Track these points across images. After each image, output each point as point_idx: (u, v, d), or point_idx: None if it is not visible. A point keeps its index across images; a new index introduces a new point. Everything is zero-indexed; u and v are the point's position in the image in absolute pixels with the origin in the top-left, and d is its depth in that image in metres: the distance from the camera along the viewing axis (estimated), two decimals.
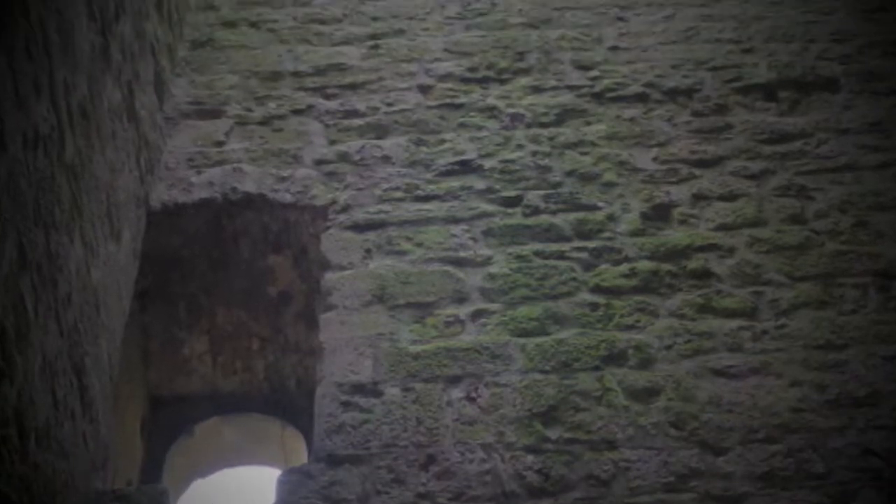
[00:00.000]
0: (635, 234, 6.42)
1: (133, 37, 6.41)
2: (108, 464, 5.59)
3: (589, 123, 7.19)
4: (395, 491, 5.32)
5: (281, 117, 7.34)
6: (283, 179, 6.88)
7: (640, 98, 7.38)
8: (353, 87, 7.59)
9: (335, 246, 6.46)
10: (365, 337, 5.92)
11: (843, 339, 5.77)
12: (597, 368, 5.76)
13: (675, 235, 6.39)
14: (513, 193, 6.70)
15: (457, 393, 5.70)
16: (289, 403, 7.24)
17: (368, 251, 6.40)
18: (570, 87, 7.49)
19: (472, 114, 7.32)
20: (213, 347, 7.15)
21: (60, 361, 4.69)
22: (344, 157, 6.99)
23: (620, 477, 5.34)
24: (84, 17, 5.35)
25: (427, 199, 6.71)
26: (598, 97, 7.41)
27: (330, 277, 6.27)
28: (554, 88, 7.50)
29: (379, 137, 7.15)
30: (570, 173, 6.81)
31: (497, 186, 6.76)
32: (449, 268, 6.30)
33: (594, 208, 6.57)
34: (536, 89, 7.50)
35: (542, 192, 6.69)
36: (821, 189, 6.61)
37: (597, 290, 6.11)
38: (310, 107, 7.41)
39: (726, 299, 6.00)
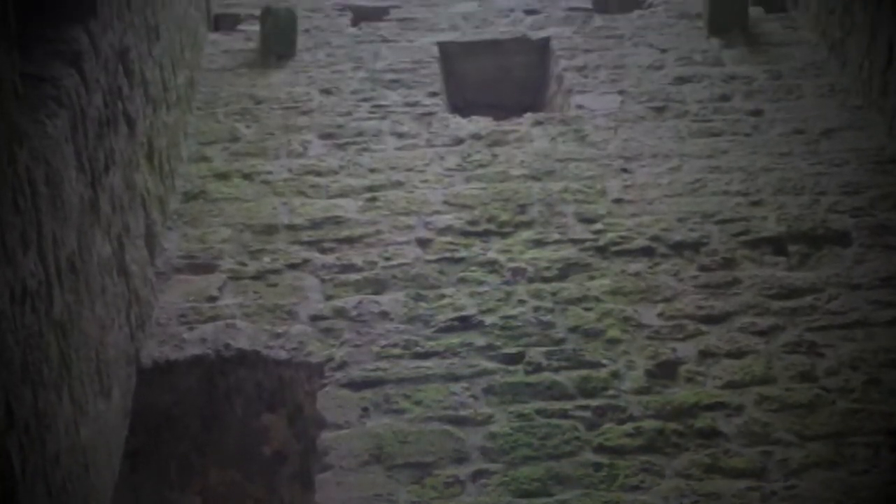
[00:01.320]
0: (640, 392, 6.50)
1: (123, 189, 6.60)
2: None
3: (593, 278, 7.34)
4: None
5: (276, 272, 7.50)
6: (277, 336, 7.00)
7: (646, 252, 7.54)
8: (350, 240, 7.76)
9: (331, 404, 6.54)
10: (362, 498, 5.96)
11: (855, 500, 5.79)
12: None
13: (682, 393, 6.47)
14: (514, 350, 6.81)
15: None
16: None
17: (366, 410, 6.48)
18: (574, 241, 7.66)
19: (472, 268, 7.47)
20: None
21: None
22: (340, 313, 7.12)
23: None
24: (73, 168, 5.53)
25: (426, 356, 6.81)
26: (602, 251, 7.57)
27: (326, 437, 6.33)
28: (557, 242, 7.66)
29: (377, 293, 7.29)
30: (573, 330, 6.93)
31: (498, 343, 6.87)
32: (448, 427, 6.36)
33: (598, 366, 6.67)
34: (539, 243, 7.66)
35: (544, 349, 6.80)
36: (831, 346, 6.71)
37: (601, 449, 6.17)
38: (305, 261, 7.57)
39: (734, 459, 6.05)
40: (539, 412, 6.41)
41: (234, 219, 7.97)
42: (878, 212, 7.80)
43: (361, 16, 11.12)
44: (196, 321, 7.09)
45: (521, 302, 7.15)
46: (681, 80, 9.60)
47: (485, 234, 7.77)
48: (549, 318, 7.01)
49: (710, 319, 6.95)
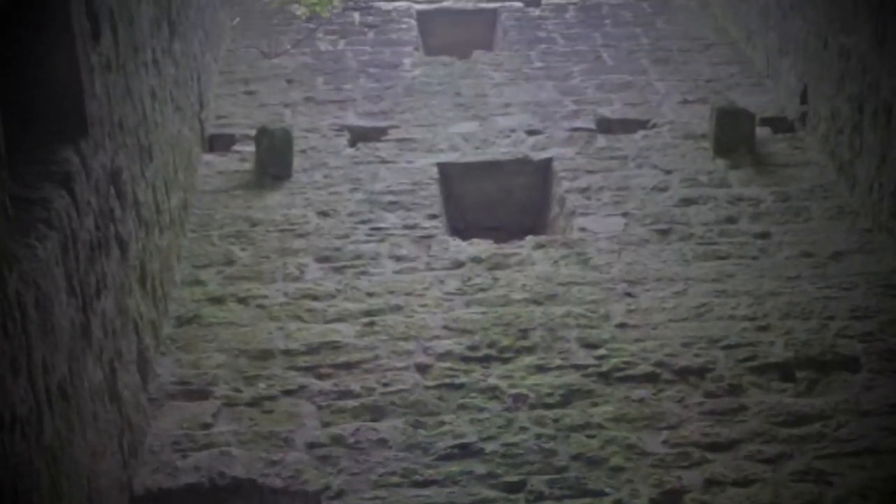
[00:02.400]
0: None
1: (115, 313, 6.72)
2: None
3: (596, 405, 7.42)
4: None
5: (271, 398, 7.57)
6: (273, 464, 7.05)
7: (650, 378, 7.63)
8: (347, 366, 7.85)
9: None
10: None
11: None
12: None
13: None
14: (516, 479, 6.85)
15: None
16: None
17: None
18: (576, 367, 7.76)
19: (472, 394, 7.55)
20: None
21: None
22: (338, 441, 7.19)
23: None
24: (64, 292, 5.63)
25: (425, 484, 6.87)
26: (605, 377, 7.66)
27: None
28: (559, 368, 7.76)
29: (375, 419, 7.36)
30: (575, 457, 7.00)
31: (499, 471, 6.92)
32: None
33: (601, 494, 6.72)
34: (541, 368, 7.76)
35: (546, 478, 6.85)
36: (840, 474, 6.75)
37: None
38: (302, 387, 7.65)
39: None
40: None
41: (229, 344, 8.07)
42: (888, 337, 7.91)
43: (359, 136, 11.31)
44: (190, 449, 7.15)
45: (523, 429, 7.22)
46: (686, 202, 9.77)
47: (485, 360, 7.87)
48: (551, 445, 7.08)
49: (716, 447, 7.01)
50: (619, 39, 13.59)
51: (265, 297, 8.58)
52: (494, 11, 15.01)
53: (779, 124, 11.18)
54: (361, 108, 11.90)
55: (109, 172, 6.85)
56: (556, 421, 7.28)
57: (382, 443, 7.16)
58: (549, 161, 10.74)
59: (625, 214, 9.66)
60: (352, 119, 11.68)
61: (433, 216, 9.76)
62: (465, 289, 8.66)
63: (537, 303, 8.46)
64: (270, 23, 14.10)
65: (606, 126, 11.39)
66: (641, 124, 11.38)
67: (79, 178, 6.14)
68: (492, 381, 7.66)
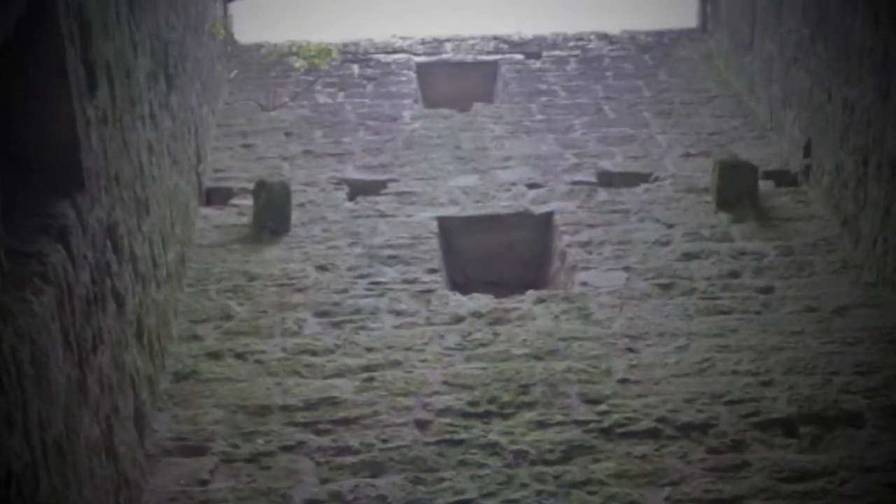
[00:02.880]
0: None
1: (112, 368, 6.76)
2: None
3: (597, 461, 7.43)
4: None
5: (269, 454, 7.59)
6: None
7: (652, 434, 7.66)
8: (346, 422, 7.87)
9: None
10: None
11: None
12: None
13: None
14: None
15: None
16: None
17: None
18: (578, 423, 7.78)
19: (472, 451, 7.57)
20: None
21: None
22: (336, 497, 7.20)
23: None
24: (60, 347, 5.67)
25: None
26: (606, 433, 7.68)
27: None
28: (560, 424, 7.78)
29: (374, 476, 7.38)
30: None
31: None
32: None
33: None
34: (541, 424, 7.78)
35: None
36: None
37: None
38: (300, 443, 7.67)
39: None
40: None
41: (227, 400, 8.10)
42: (893, 392, 7.93)
43: (358, 189, 11.39)
44: None
45: (524, 486, 7.24)
46: (688, 256, 9.84)
47: (486, 416, 7.90)
48: (551, 502, 7.10)
49: None
50: (621, 92, 13.71)
51: (263, 352, 8.62)
52: (495, 63, 15.12)
53: (782, 178, 11.26)
54: (360, 161, 12.00)
55: (106, 226, 6.90)
56: (556, 477, 7.30)
57: (381, 499, 7.17)
58: (549, 215, 10.82)
59: (626, 269, 9.72)
60: (351, 172, 11.77)
61: (433, 270, 9.82)
62: (465, 344, 8.71)
63: (538, 358, 8.50)
64: (268, 75, 14.23)
65: (608, 179, 11.47)
66: (643, 178, 11.46)
67: (75, 231, 6.19)
68: (492, 437, 7.68)
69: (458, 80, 14.99)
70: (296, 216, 10.66)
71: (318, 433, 7.76)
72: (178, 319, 8.99)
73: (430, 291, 9.47)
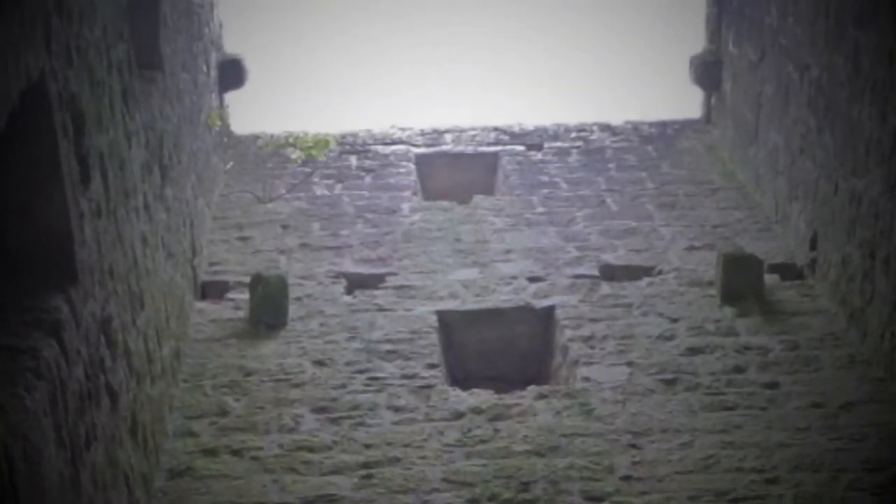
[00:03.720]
0: None
1: (105, 465, 6.79)
2: None
3: None
4: None
5: None
6: None
7: None
8: None
9: None
10: None
11: None
12: None
13: None
14: None
15: None
16: None
17: None
18: None
19: None
20: None
21: None
22: None
23: None
24: (52, 443, 5.71)
25: None
26: None
27: None
28: None
29: None
30: None
31: None
32: None
33: None
34: None
35: None
36: None
37: None
38: None
39: None
40: None
41: (223, 497, 8.12)
42: None
43: (356, 283, 11.45)
44: None
45: None
46: (692, 351, 9.90)
47: None
48: None
49: None
50: (624, 184, 13.81)
51: (260, 448, 8.66)
52: (495, 155, 15.22)
53: (788, 271, 11.34)
54: (358, 254, 12.08)
55: (99, 321, 6.96)
56: None
57: None
58: (551, 309, 10.88)
59: (629, 364, 9.77)
60: (348, 266, 11.85)
61: (432, 365, 9.87)
62: (465, 440, 8.75)
63: (539, 455, 8.54)
64: (265, 167, 14.34)
65: (610, 273, 11.54)
66: (646, 271, 11.53)
67: (68, 326, 6.24)
68: None
69: (457, 171, 15.09)
70: (293, 310, 10.72)
71: None
72: (172, 415, 9.02)
73: (429, 387, 9.51)
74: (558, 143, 15.29)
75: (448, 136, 15.71)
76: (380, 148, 15.20)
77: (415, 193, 13.94)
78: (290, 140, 14.08)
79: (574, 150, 15.02)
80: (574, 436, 8.75)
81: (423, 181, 14.66)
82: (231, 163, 14.32)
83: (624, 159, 14.65)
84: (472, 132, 15.85)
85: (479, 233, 12.57)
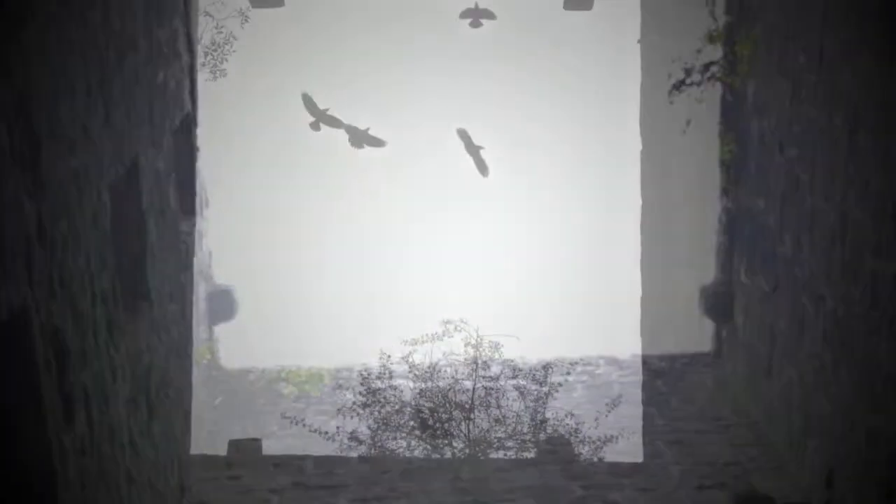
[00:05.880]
0: None
1: None
2: None
3: None
4: None
5: None
6: None
7: None
8: None
9: None
10: None
11: None
12: None
13: None
14: None
15: None
16: None
17: None
18: None
19: None
20: None
21: None
22: None
23: None
24: None
25: None
26: None
27: None
28: None
29: None
30: None
31: None
32: None
33: None
34: None
35: None
36: None
37: None
38: None
39: None
40: None
41: None
42: None
43: None
44: None
45: None
46: None
47: None
48: None
49: None
50: (632, 420, 13.81)
51: None
52: None
53: None
54: (354, 494, 12.02)
55: None
56: None
57: None
58: None
59: None
60: None
61: None
62: None
63: None
64: (257, 402, 14.37)
65: None
66: None
67: None
68: None
69: None
70: None
71: None
72: None
73: None
74: (561, 378, 15.29)
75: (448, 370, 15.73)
76: (378, 382, 15.20)
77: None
78: (282, 374, 14.17)
79: (579, 385, 15.06)
80: None
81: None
82: (220, 398, 14.36)
83: (632, 394, 14.66)
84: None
85: (479, 470, 12.53)
